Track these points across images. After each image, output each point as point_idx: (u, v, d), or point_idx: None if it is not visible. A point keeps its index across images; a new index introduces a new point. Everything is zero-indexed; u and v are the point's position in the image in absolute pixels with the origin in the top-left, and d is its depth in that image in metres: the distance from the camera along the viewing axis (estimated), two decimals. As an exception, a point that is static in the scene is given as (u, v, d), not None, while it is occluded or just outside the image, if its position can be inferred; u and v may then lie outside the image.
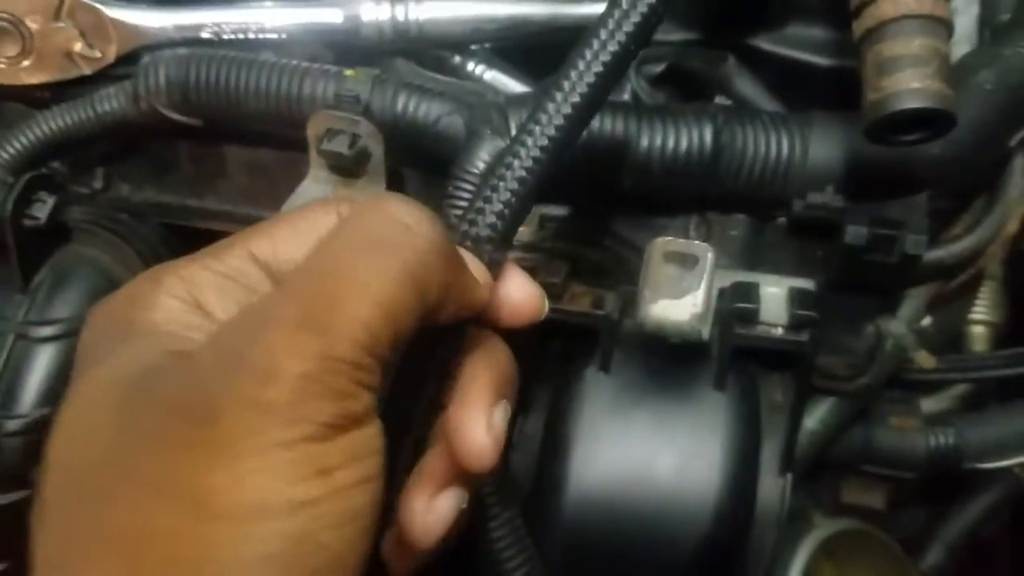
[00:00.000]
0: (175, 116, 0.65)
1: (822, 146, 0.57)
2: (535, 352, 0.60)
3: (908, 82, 0.44)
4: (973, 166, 0.58)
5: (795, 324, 0.54)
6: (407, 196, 0.44)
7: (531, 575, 0.52)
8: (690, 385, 0.57)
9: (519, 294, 0.43)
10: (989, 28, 0.61)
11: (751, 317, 0.55)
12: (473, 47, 0.69)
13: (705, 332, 0.52)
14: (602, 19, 0.43)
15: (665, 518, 0.55)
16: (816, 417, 0.67)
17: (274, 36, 0.67)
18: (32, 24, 0.66)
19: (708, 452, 0.55)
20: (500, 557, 0.51)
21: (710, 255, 0.51)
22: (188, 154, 0.72)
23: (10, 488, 0.61)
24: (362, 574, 0.34)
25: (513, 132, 0.58)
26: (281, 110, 0.62)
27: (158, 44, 0.67)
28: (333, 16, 0.66)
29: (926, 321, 0.67)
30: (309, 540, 0.31)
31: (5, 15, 0.66)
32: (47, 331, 0.63)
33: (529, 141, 0.42)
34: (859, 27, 0.47)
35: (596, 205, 0.63)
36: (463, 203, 0.54)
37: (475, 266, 0.41)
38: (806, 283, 0.58)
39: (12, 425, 0.61)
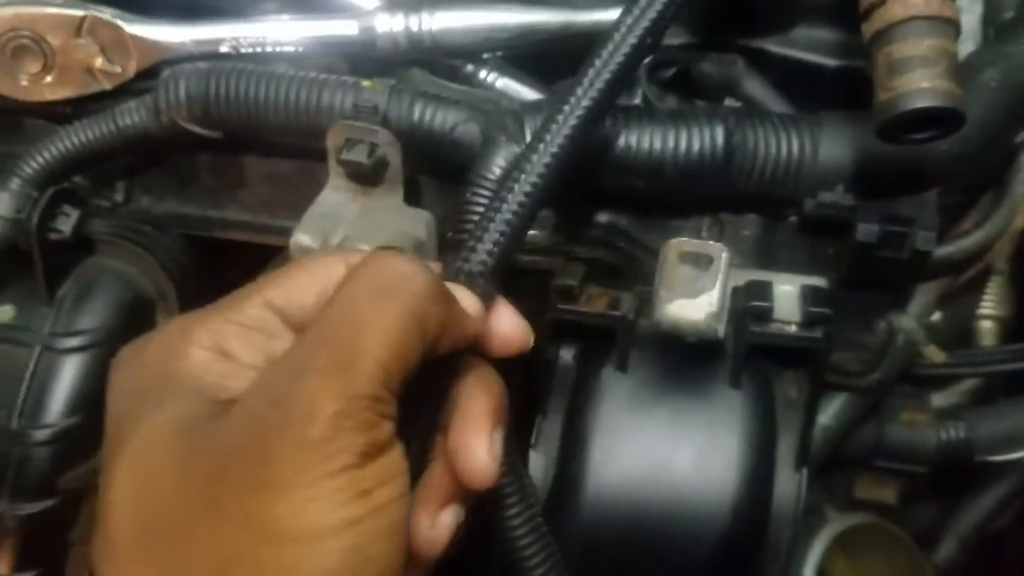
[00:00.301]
0: (196, 129, 0.66)
1: (832, 145, 0.58)
2: (552, 354, 0.61)
3: (918, 82, 0.45)
4: (981, 163, 0.59)
5: (808, 321, 0.55)
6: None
7: (555, 572, 0.53)
8: (706, 383, 0.58)
9: (507, 327, 0.47)
10: (993, 27, 0.62)
11: (765, 315, 0.56)
12: (485, 56, 0.70)
13: (720, 330, 0.53)
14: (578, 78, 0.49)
15: (683, 514, 0.56)
16: (829, 413, 0.68)
17: (291, 49, 0.68)
18: (53, 41, 0.68)
19: (725, 448, 0.56)
20: (523, 555, 0.52)
21: (725, 255, 0.52)
22: (208, 166, 0.73)
23: (39, 497, 0.62)
24: None
25: (528, 138, 0.59)
26: (300, 121, 0.64)
27: (177, 59, 0.68)
28: (349, 28, 0.68)
29: (936, 316, 0.68)
30: (360, 553, 0.36)
31: (27, 33, 0.68)
32: (73, 342, 0.64)
33: (515, 187, 0.48)
34: (869, 29, 0.48)
35: (609, 208, 0.64)
36: (479, 209, 0.56)
37: (468, 299, 0.45)
38: (818, 281, 0.58)
39: (40, 435, 0.62)
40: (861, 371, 0.65)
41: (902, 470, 0.74)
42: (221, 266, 0.76)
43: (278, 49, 0.68)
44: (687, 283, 0.52)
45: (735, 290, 0.58)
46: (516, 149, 0.58)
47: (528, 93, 0.69)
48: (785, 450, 0.58)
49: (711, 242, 0.52)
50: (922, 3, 0.46)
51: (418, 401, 0.43)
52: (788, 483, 0.58)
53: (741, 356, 0.56)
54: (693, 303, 0.52)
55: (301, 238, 0.59)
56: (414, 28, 0.67)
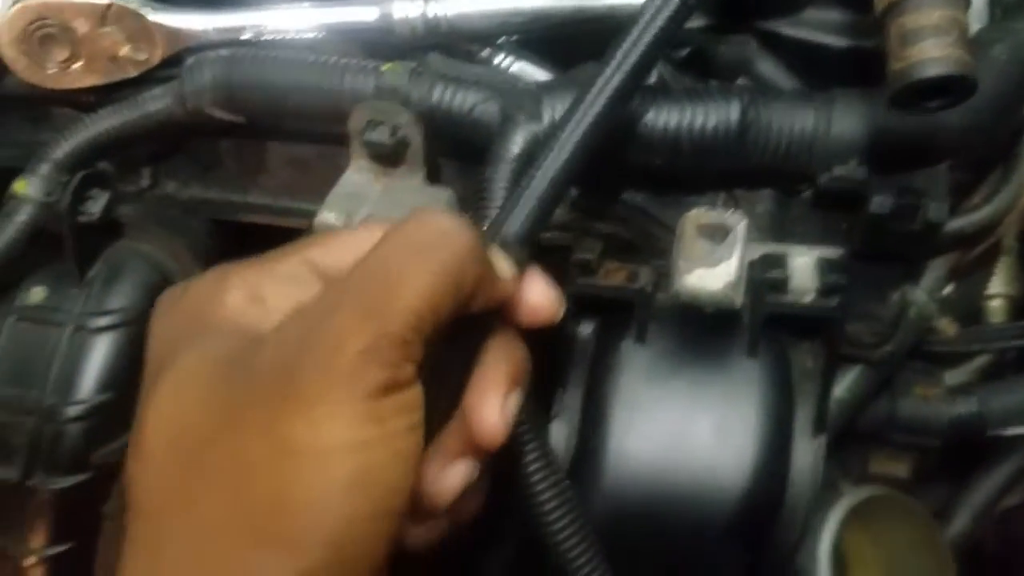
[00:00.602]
0: (221, 114, 0.68)
1: (845, 120, 0.59)
2: (572, 328, 0.62)
3: (931, 51, 0.46)
4: (991, 136, 0.60)
5: (824, 290, 0.56)
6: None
7: (586, 542, 0.53)
8: (723, 354, 0.59)
9: (538, 296, 0.48)
10: (1000, 7, 0.63)
11: (781, 286, 0.57)
12: (500, 40, 0.71)
13: (738, 301, 0.54)
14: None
15: (704, 482, 0.57)
16: (843, 386, 0.69)
17: (311, 36, 0.70)
18: (80, 29, 0.69)
19: (744, 417, 0.57)
20: (549, 520, 0.53)
21: (742, 225, 0.53)
22: (230, 151, 0.75)
23: (73, 471, 0.64)
24: (407, 506, 0.41)
25: (546, 118, 0.60)
26: (323, 105, 0.65)
27: (200, 46, 0.70)
28: (368, 15, 0.69)
29: (947, 290, 0.69)
30: (368, 474, 0.39)
31: (54, 22, 0.69)
32: (103, 321, 0.66)
33: (551, 154, 0.49)
34: (880, 2, 0.50)
35: (627, 185, 0.66)
36: (501, 185, 0.57)
37: (503, 263, 0.47)
38: (834, 252, 0.60)
39: (73, 411, 0.64)
40: (874, 343, 0.66)
41: (915, 444, 0.75)
42: (245, 249, 0.77)
43: (298, 36, 0.70)
44: (705, 254, 0.54)
45: (751, 263, 0.59)
46: (535, 127, 0.60)
47: (543, 76, 0.71)
48: (802, 419, 0.59)
49: (729, 212, 0.53)
50: (933, -26, 0.47)
51: (446, 359, 0.45)
52: (806, 451, 0.59)
53: (758, 326, 0.57)
54: (712, 272, 0.53)
55: (326, 216, 0.60)
56: (431, 14, 0.68)
